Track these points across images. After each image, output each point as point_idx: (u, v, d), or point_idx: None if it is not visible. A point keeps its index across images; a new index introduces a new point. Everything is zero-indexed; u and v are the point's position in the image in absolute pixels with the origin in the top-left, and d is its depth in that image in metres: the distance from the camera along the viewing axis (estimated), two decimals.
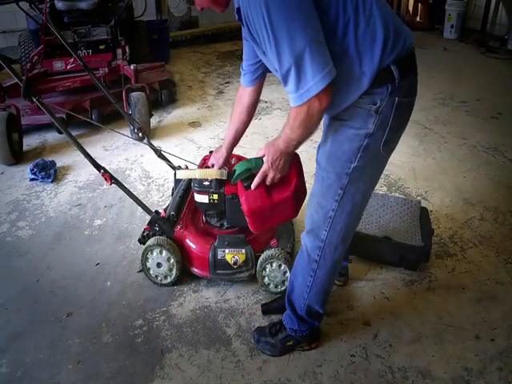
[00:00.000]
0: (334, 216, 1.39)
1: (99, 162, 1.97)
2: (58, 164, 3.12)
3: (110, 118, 3.67)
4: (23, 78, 2.98)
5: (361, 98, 1.23)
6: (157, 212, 2.05)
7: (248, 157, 2.10)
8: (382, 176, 2.84)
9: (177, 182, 2.36)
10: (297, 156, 1.55)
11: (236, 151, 1.91)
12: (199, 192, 1.92)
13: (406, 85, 1.25)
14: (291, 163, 1.45)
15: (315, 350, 1.72)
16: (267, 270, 1.92)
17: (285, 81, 1.15)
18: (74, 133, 3.54)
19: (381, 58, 1.18)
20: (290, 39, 1.06)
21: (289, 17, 1.05)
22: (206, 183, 1.89)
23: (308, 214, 1.47)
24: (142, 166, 3.12)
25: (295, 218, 1.62)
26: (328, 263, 1.49)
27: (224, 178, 1.82)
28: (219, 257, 1.93)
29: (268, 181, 1.46)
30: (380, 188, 2.78)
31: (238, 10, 1.17)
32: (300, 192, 1.53)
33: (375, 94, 1.22)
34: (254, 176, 1.48)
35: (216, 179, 1.86)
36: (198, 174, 1.84)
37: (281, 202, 1.49)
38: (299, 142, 1.29)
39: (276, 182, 1.47)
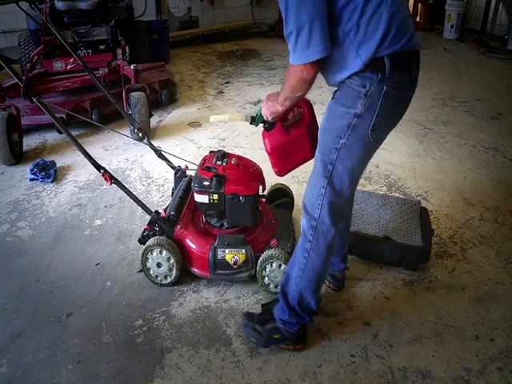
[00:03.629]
0: (325, 193, 1.47)
1: (99, 162, 1.97)
2: (58, 164, 3.12)
3: (110, 118, 3.67)
4: (23, 78, 3.00)
5: (352, 79, 1.34)
6: (157, 212, 2.05)
7: (248, 157, 2.12)
8: (382, 176, 2.90)
9: (177, 181, 2.36)
10: (308, 101, 1.70)
11: (236, 151, 1.92)
12: (199, 192, 1.92)
13: (398, 79, 1.33)
14: (303, 108, 1.67)
15: (314, 350, 1.72)
16: (267, 270, 1.92)
17: (287, 39, 1.30)
18: (74, 133, 3.54)
19: (376, 49, 1.29)
20: (297, 12, 1.23)
21: None
22: (206, 183, 1.89)
23: (305, 193, 1.55)
24: (142, 166, 3.12)
25: (312, 158, 1.64)
26: (321, 244, 1.54)
27: (248, 121, 1.83)
28: (219, 257, 1.93)
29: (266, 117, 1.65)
30: (380, 188, 2.78)
31: None
32: (313, 130, 1.65)
33: (366, 77, 1.32)
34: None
35: (216, 179, 1.86)
36: (228, 117, 1.91)
37: (297, 137, 1.69)
38: (285, 98, 1.45)
39: (292, 124, 1.70)
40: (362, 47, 1.28)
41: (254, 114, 1.75)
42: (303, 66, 1.28)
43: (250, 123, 1.80)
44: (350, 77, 1.34)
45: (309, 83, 1.34)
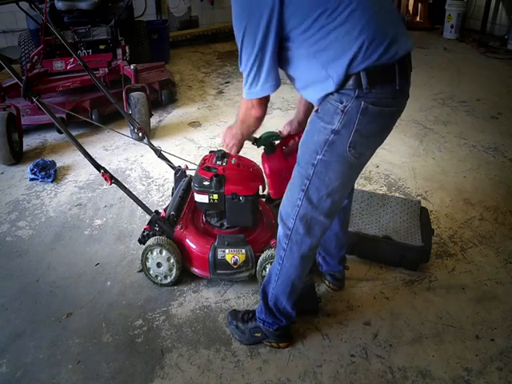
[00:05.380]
0: (301, 205, 1.45)
1: (99, 162, 1.97)
2: (58, 164, 3.12)
3: (110, 118, 3.67)
4: (23, 78, 3.00)
5: (331, 94, 1.29)
6: (157, 212, 2.05)
7: (248, 156, 2.12)
8: (382, 176, 2.89)
9: (177, 181, 2.36)
10: None
11: None
12: (199, 192, 1.91)
13: (377, 94, 1.26)
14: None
15: (314, 350, 1.72)
16: (267, 270, 1.92)
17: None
18: (74, 133, 3.54)
19: (348, 67, 1.22)
20: (249, 54, 1.26)
21: (253, 39, 1.23)
22: (206, 183, 1.89)
23: (282, 201, 1.54)
24: (142, 166, 3.12)
25: None
26: (295, 254, 1.53)
27: (251, 141, 1.83)
28: (219, 257, 1.93)
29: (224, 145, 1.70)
30: (380, 188, 2.78)
31: None
32: None
33: (343, 94, 1.27)
34: (273, 145, 1.75)
35: (216, 179, 1.86)
36: None
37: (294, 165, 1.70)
38: (242, 134, 1.57)
39: (291, 151, 1.74)
40: (332, 67, 1.23)
41: (258, 136, 1.77)
42: (250, 101, 1.35)
43: (253, 143, 1.81)
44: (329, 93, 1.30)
45: (257, 121, 1.43)
